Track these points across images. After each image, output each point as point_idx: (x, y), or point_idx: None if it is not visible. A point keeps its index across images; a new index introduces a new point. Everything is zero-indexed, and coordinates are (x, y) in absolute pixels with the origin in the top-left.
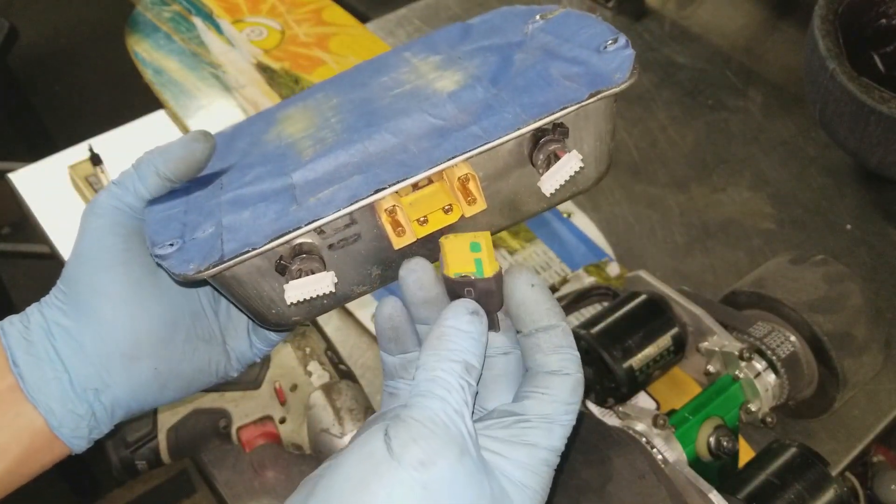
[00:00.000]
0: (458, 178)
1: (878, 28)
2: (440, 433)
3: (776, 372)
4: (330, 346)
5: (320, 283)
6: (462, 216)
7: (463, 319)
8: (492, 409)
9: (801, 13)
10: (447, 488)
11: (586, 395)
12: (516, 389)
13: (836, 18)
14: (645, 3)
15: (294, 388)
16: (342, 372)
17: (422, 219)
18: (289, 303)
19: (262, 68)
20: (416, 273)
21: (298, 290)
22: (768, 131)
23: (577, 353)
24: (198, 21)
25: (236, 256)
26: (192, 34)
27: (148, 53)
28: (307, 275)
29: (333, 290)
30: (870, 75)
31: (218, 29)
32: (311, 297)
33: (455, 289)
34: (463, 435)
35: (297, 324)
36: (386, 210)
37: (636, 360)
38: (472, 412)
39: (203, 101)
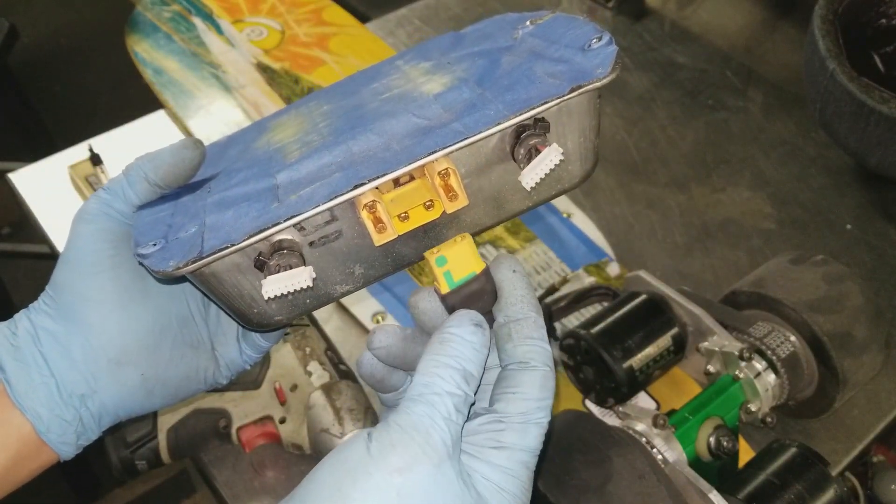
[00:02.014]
0: (439, 173)
1: (878, 28)
2: (420, 440)
3: (776, 372)
4: (330, 346)
5: (298, 278)
6: (443, 212)
7: (467, 329)
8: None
9: (800, 13)
10: (422, 496)
11: (587, 394)
12: None
13: (836, 18)
14: (645, 3)
15: (294, 388)
16: (342, 372)
17: (402, 215)
18: (266, 297)
19: (262, 68)
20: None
21: (275, 284)
22: (768, 131)
23: (548, 348)
24: (198, 21)
25: (214, 252)
26: (192, 34)
27: (148, 53)
28: (286, 269)
29: (311, 285)
30: (870, 75)
31: (218, 29)
32: (290, 292)
33: (452, 303)
34: (445, 443)
35: (281, 325)
36: (366, 205)
37: (636, 360)
38: (466, 421)
39: (203, 101)
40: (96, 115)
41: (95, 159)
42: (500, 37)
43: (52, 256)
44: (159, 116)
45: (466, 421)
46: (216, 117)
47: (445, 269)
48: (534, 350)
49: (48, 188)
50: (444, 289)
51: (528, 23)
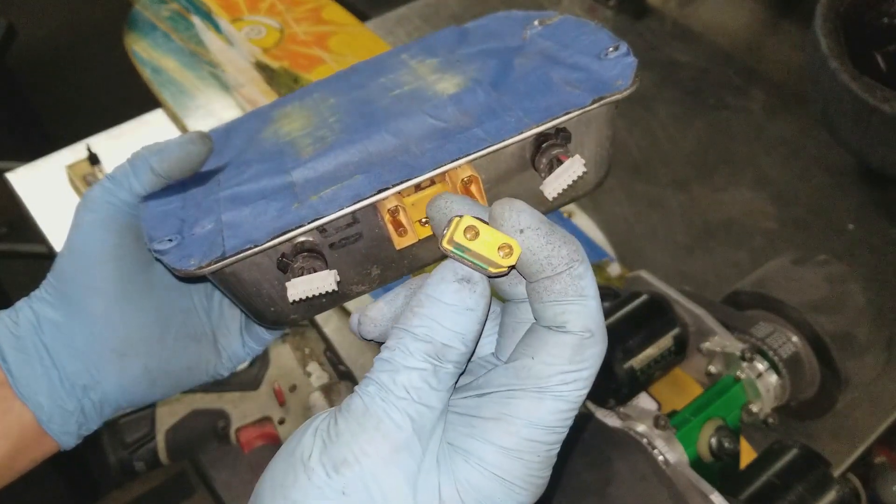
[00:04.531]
0: (462, 180)
1: (880, 27)
2: (370, 427)
3: (778, 372)
4: (329, 347)
5: (323, 282)
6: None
7: (447, 288)
8: (485, 368)
9: (802, 12)
10: (369, 492)
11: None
12: None
13: (838, 17)
14: (646, 1)
15: (293, 388)
16: (341, 372)
17: (423, 220)
18: (291, 300)
19: (261, 67)
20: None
21: (300, 287)
22: (770, 130)
23: (590, 304)
24: (196, 20)
25: (238, 253)
26: (191, 33)
27: (146, 52)
28: (309, 272)
29: (336, 289)
30: (872, 74)
31: (217, 28)
32: (313, 296)
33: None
34: (402, 427)
35: (295, 322)
36: (389, 210)
37: (637, 361)
38: (450, 394)
39: (201, 100)
40: (94, 114)
41: (93, 159)
42: (507, 36)
43: (49, 256)
44: (158, 115)
45: (466, 386)
46: (215, 116)
47: (462, 243)
48: (567, 311)
49: (46, 188)
50: (447, 247)
51: (536, 23)
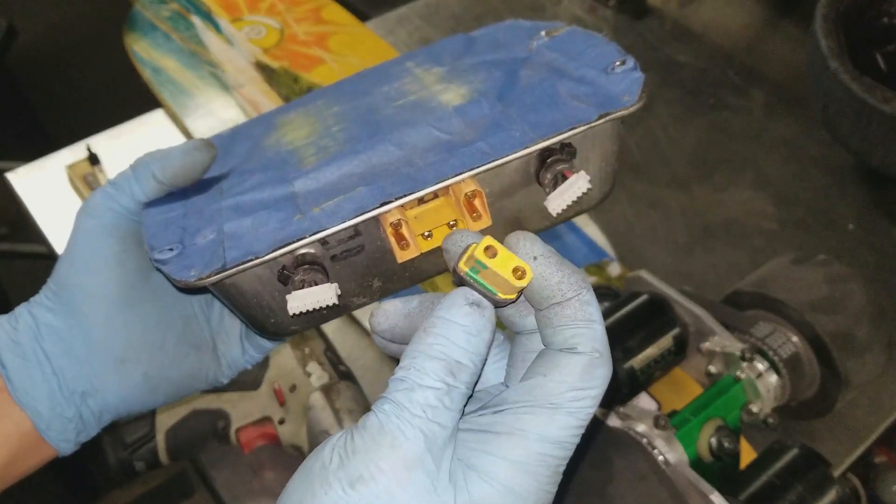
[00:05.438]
0: (465, 195)
1: (881, 27)
2: (385, 444)
3: (778, 372)
4: (329, 347)
5: (323, 295)
6: None
7: (459, 311)
8: (494, 395)
9: (802, 12)
10: None
11: None
12: None
13: (838, 17)
14: (646, 1)
15: (293, 388)
16: (342, 373)
17: (426, 233)
18: (291, 314)
19: (261, 67)
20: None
21: (301, 300)
22: (770, 130)
23: (598, 328)
24: (196, 20)
25: (239, 265)
26: (191, 33)
27: (146, 52)
28: (310, 285)
29: (336, 302)
30: (872, 74)
31: (217, 27)
32: (314, 309)
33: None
34: (417, 445)
35: (295, 333)
36: (391, 224)
37: (637, 361)
38: (460, 416)
39: (201, 101)
40: (94, 114)
41: (93, 159)
42: (514, 46)
43: (49, 257)
44: (157, 115)
45: (481, 406)
46: (215, 116)
47: (481, 260)
48: (577, 334)
49: (46, 188)
50: (463, 268)
51: (542, 33)
